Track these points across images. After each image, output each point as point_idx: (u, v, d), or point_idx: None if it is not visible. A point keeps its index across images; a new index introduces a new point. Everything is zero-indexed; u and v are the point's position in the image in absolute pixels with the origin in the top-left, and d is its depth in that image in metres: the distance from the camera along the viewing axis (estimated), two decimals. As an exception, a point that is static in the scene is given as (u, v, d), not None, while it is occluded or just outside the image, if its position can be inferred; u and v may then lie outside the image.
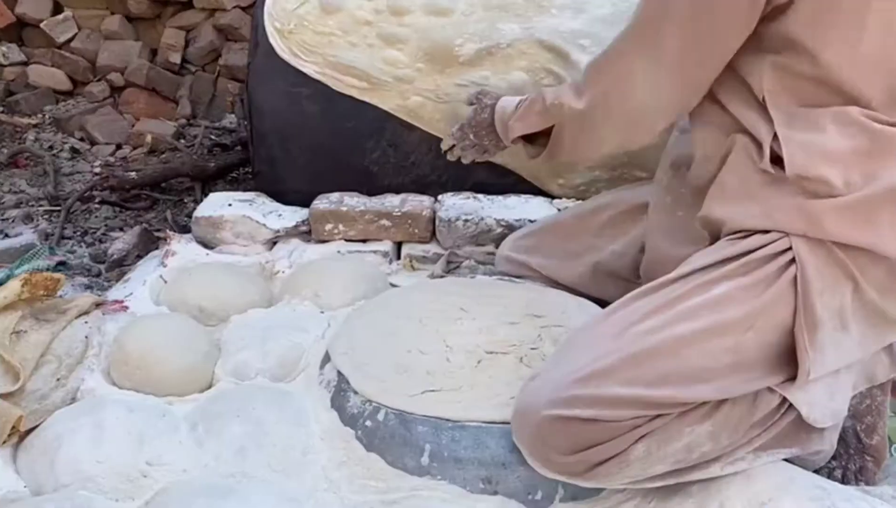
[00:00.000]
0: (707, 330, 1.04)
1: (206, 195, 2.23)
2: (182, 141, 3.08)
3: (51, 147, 3.01)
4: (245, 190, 2.39)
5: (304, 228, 2.08)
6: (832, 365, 1.06)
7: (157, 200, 2.62)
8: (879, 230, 1.02)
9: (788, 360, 1.06)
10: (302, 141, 2.12)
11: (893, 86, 1.06)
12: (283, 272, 1.94)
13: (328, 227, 2.04)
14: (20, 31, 3.38)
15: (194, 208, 2.18)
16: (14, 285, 1.53)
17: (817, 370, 1.04)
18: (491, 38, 1.95)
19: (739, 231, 1.11)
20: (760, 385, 1.08)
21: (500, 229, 1.97)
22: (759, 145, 1.10)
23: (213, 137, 3.07)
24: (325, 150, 2.12)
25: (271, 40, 2.03)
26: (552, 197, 2.10)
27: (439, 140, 1.80)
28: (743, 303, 1.05)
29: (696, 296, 1.07)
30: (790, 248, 1.05)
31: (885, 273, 1.05)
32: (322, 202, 2.07)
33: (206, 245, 2.06)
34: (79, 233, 2.43)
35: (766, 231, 1.07)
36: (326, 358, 1.49)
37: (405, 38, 1.98)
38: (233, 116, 3.14)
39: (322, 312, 1.71)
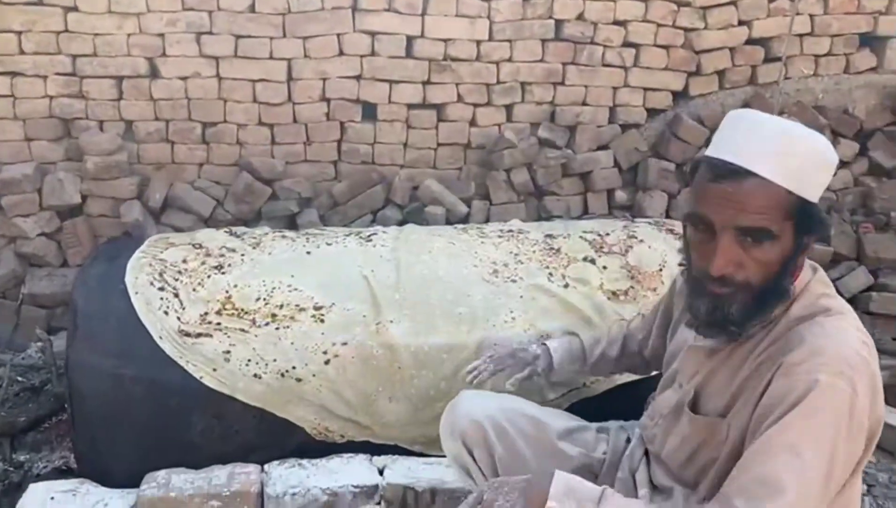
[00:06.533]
0: None
1: (14, 451, 2.30)
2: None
3: None
4: (57, 438, 2.56)
5: (132, 515, 2.13)
6: None
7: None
8: None
9: None
10: (126, 422, 2.23)
11: None
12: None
13: (157, 514, 2.10)
14: None
15: (3, 470, 2.20)
16: None
17: None
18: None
19: None
20: None
21: (325, 498, 2.17)
22: None
23: (19, 378, 3.00)
24: (150, 428, 2.25)
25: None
26: (372, 454, 2.34)
27: (261, 409, 2.18)
28: None
29: None
30: None
31: None
32: (150, 487, 2.14)
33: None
34: None
35: None
36: None
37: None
38: (39, 344, 3.13)
39: None
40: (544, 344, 2.02)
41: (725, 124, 1.39)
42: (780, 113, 3.65)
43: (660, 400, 1.63)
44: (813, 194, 1.32)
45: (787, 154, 1.28)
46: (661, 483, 1.61)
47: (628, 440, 1.78)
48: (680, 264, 1.54)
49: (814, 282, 1.40)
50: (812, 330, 1.30)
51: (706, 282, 1.34)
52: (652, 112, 3.75)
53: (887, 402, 2.91)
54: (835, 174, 3.51)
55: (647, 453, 1.71)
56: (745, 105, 3.76)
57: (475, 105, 3.56)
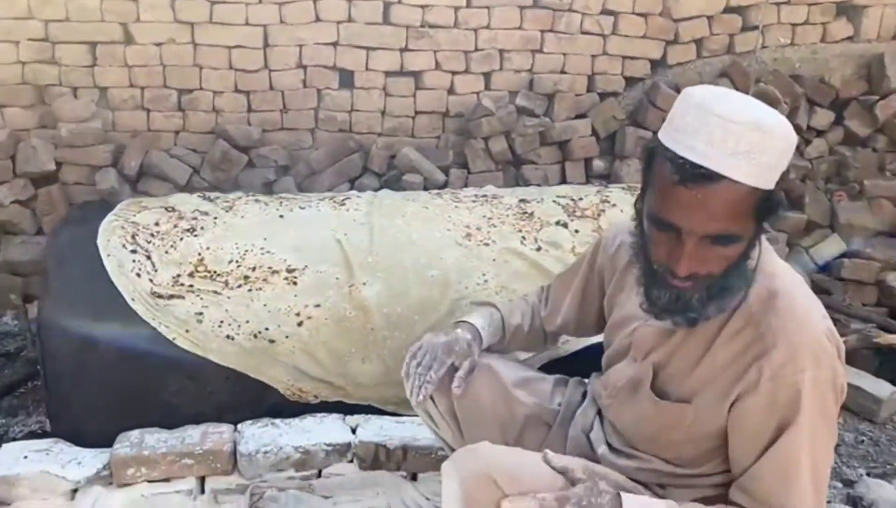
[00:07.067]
0: None
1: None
2: (-39, 351, 3.02)
3: None
4: (33, 403, 2.54)
5: (105, 473, 2.16)
6: None
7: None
8: None
9: None
10: (99, 382, 2.25)
11: None
12: (85, 528, 2.04)
13: (130, 471, 2.15)
14: None
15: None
16: None
17: None
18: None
19: None
20: None
21: (298, 455, 2.21)
22: None
23: (-5, 345, 3.05)
24: (123, 389, 2.27)
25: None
26: (346, 414, 2.37)
27: (235, 370, 2.19)
28: None
29: None
30: None
31: None
32: (123, 446, 2.17)
33: (1, 502, 2.10)
34: None
35: None
36: None
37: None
38: (14, 311, 3.17)
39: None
40: (471, 324, 1.79)
41: (689, 111, 1.27)
42: (757, 81, 3.68)
43: (613, 372, 1.62)
44: (776, 180, 1.29)
45: (759, 152, 1.23)
46: (618, 447, 1.64)
47: (584, 396, 1.81)
48: (631, 247, 1.48)
49: (763, 254, 1.40)
50: (784, 323, 1.32)
51: (668, 276, 1.33)
52: (630, 81, 3.78)
53: (857, 365, 3.01)
54: (810, 143, 3.55)
55: (599, 412, 1.74)
56: (723, 74, 3.80)
57: (453, 73, 3.57)
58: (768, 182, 1.27)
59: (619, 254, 1.66)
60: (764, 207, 1.28)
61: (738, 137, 1.22)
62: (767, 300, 1.35)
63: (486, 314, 1.84)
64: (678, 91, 3.60)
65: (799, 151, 3.80)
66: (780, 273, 1.40)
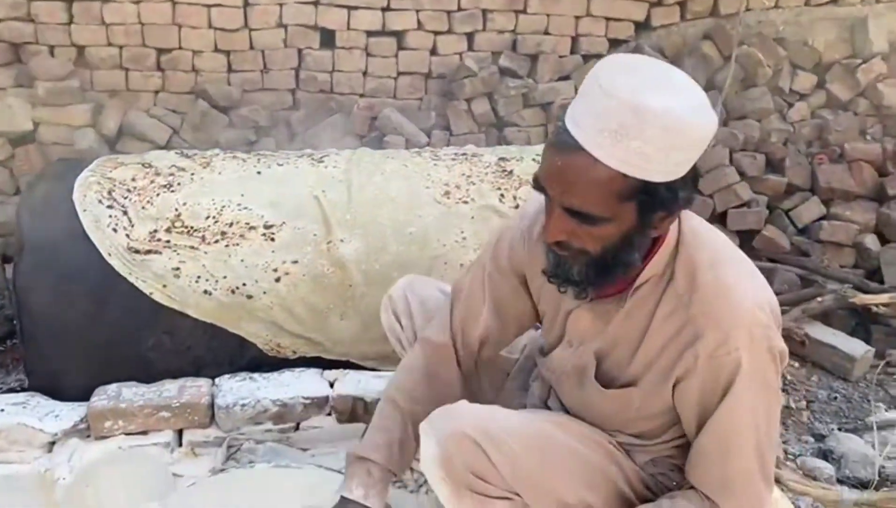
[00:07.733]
0: None
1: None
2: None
3: None
4: (12, 362, 2.57)
5: (82, 426, 2.16)
6: None
7: None
8: None
9: None
10: (76, 337, 2.24)
11: None
12: (63, 479, 2.05)
13: (107, 424, 2.14)
14: None
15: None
16: None
17: None
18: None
19: None
20: None
21: (276, 409, 2.20)
22: None
23: (-28, 302, 3.04)
24: (100, 343, 2.26)
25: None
26: (323, 369, 2.36)
27: (213, 325, 2.20)
28: None
29: None
30: None
31: None
32: (100, 399, 2.16)
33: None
34: None
35: None
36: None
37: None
38: None
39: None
40: (358, 504, 1.61)
41: (591, 76, 1.21)
42: (741, 44, 3.67)
43: (555, 357, 1.58)
44: (666, 173, 1.18)
45: (626, 135, 1.13)
46: (575, 415, 1.62)
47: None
48: None
49: (686, 226, 1.34)
50: (711, 304, 1.28)
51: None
52: (614, 43, 3.77)
53: (833, 325, 3.05)
54: (792, 106, 3.51)
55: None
56: (706, 37, 3.80)
57: (435, 33, 3.55)
58: (645, 172, 1.16)
59: (539, 243, 1.50)
60: (644, 199, 1.19)
61: (610, 113, 1.14)
62: (692, 279, 1.30)
63: (363, 476, 1.65)
64: (662, 53, 3.61)
65: (781, 115, 3.82)
66: (705, 245, 1.33)
